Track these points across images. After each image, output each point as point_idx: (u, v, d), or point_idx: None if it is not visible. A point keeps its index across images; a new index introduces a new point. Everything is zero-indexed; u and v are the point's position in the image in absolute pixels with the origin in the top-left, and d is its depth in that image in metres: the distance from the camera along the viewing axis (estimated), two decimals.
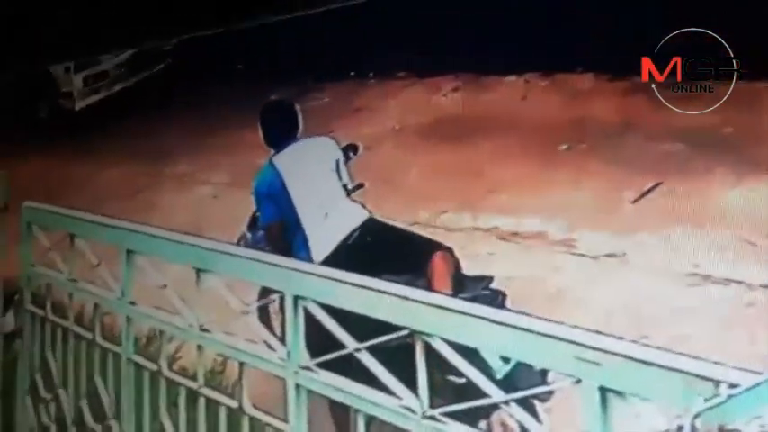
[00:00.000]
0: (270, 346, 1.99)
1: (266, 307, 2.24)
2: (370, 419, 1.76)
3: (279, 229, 2.60)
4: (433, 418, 1.66)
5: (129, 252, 2.38)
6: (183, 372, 2.19)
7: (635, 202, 2.12)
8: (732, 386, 1.32)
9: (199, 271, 2.19)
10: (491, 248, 2.29)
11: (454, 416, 1.64)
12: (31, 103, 4.01)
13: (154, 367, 2.22)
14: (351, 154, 2.68)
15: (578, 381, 1.48)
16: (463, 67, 2.70)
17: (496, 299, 2.12)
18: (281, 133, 2.70)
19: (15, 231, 2.87)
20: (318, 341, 1.93)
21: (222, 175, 3.17)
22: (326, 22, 2.88)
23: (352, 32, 2.82)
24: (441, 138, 2.50)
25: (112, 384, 2.36)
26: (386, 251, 2.39)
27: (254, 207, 2.70)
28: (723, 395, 1.33)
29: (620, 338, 1.49)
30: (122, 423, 2.30)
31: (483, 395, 1.61)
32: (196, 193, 3.18)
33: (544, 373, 1.62)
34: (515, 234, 2.27)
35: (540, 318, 1.57)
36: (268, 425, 1.92)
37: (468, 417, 1.64)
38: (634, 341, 1.49)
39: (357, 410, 1.78)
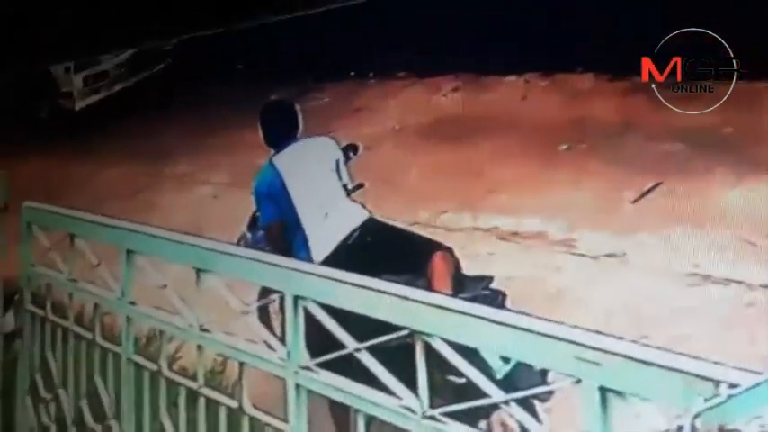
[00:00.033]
0: (270, 346, 1.99)
1: (266, 307, 2.24)
2: (370, 419, 1.76)
3: (279, 229, 2.60)
4: (433, 418, 1.66)
5: (129, 252, 2.38)
6: (182, 372, 2.19)
7: (635, 202, 2.12)
8: (732, 386, 1.32)
9: (199, 271, 2.19)
10: (491, 248, 2.29)
11: (454, 416, 1.64)
12: (31, 103, 4.01)
13: (154, 367, 2.22)
14: (351, 154, 2.68)
15: (578, 381, 1.48)
16: (463, 67, 2.70)
17: (496, 299, 2.11)
18: (280, 133, 2.70)
19: (15, 231, 2.87)
20: (318, 341, 1.93)
21: (222, 175, 3.17)
22: (326, 22, 2.88)
23: (351, 32, 2.82)
24: (441, 138, 2.51)
25: (112, 384, 2.36)
26: (386, 251, 2.39)
27: (253, 207, 2.70)
28: (723, 395, 1.33)
29: (621, 338, 1.48)
30: (122, 423, 2.30)
31: (483, 395, 1.61)
32: (196, 193, 3.17)
33: (544, 373, 1.62)
34: (515, 234, 2.27)
35: (540, 318, 1.57)
36: (268, 425, 1.92)
37: (468, 417, 1.64)
38: (634, 341, 1.48)
39: (357, 410, 1.77)
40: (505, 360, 1.65)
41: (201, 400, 2.08)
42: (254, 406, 1.98)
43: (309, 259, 2.48)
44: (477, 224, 2.36)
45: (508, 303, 2.11)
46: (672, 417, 1.37)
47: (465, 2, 2.56)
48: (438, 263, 2.28)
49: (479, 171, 2.36)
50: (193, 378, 2.11)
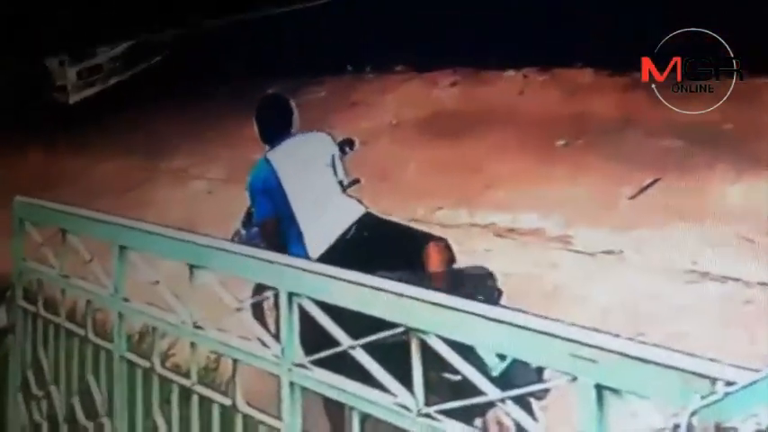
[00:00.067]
0: (264, 344, 1.97)
1: (260, 304, 2.22)
2: (365, 417, 1.74)
3: (273, 226, 2.58)
4: (428, 415, 1.64)
5: (121, 248, 2.36)
6: (176, 369, 2.17)
7: (633, 198, 2.11)
8: (729, 384, 1.31)
9: (192, 267, 2.16)
10: (488, 245, 2.28)
11: (450, 413, 1.62)
12: (25, 97, 3.98)
13: (147, 364, 2.20)
14: (347, 149, 2.66)
15: (574, 378, 1.46)
16: (461, 61, 2.69)
17: (493, 295, 2.10)
18: (276, 129, 2.68)
19: (7, 226, 2.85)
20: (313, 338, 1.91)
21: (217, 170, 3.15)
22: (324, 16, 2.86)
23: (349, 26, 2.80)
24: (438, 133, 2.49)
25: (105, 382, 2.34)
26: (384, 246, 2.38)
27: (248, 203, 2.68)
28: (720, 393, 1.31)
29: (617, 336, 1.47)
30: (115, 421, 2.28)
31: (479, 393, 1.59)
32: (191, 188, 3.16)
33: (540, 370, 1.61)
34: (512, 230, 2.26)
35: (536, 315, 1.56)
36: (262, 423, 1.90)
37: (464, 414, 1.63)
38: (631, 339, 1.47)
39: (352, 408, 1.76)
40: (501, 357, 1.63)
41: (195, 398, 2.06)
42: (248, 403, 1.96)
43: (305, 255, 2.47)
44: (474, 220, 2.35)
45: (504, 300, 2.10)
46: (668, 415, 1.35)
47: None
48: (432, 249, 2.30)
49: (477, 166, 2.34)
50: (186, 375, 2.09)
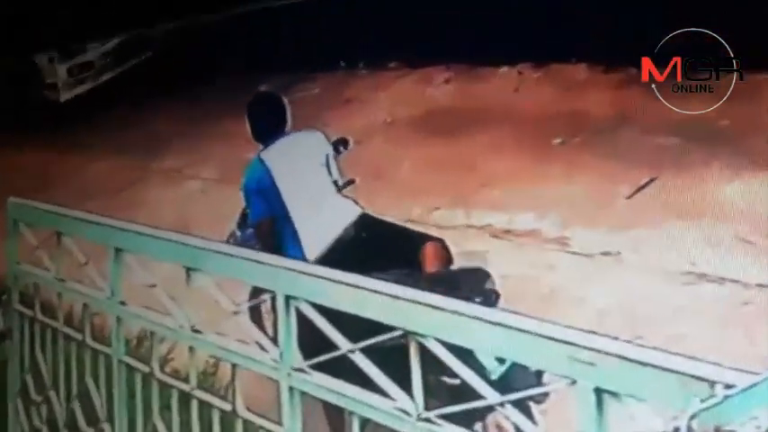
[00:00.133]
0: (262, 347, 1.96)
1: (258, 307, 2.21)
2: (364, 422, 1.74)
3: (269, 226, 2.57)
4: (428, 420, 1.64)
5: (117, 250, 2.34)
6: (175, 374, 2.17)
7: (630, 197, 2.11)
8: (728, 387, 1.32)
9: (189, 270, 2.15)
10: (484, 246, 2.27)
11: (449, 418, 1.63)
12: (16, 95, 3.94)
13: (146, 369, 2.20)
14: (341, 148, 2.64)
15: (573, 382, 1.47)
16: (455, 57, 2.66)
17: (491, 298, 2.10)
18: (268, 127, 2.66)
19: (2, 228, 2.82)
20: (311, 342, 1.91)
21: (211, 170, 3.13)
22: (317, 12, 2.83)
23: (342, 22, 2.77)
24: (433, 131, 2.47)
25: (104, 386, 2.33)
26: (381, 247, 2.38)
27: (242, 203, 2.66)
28: (719, 396, 1.32)
29: (616, 339, 1.47)
30: (115, 426, 2.28)
31: (478, 397, 1.60)
32: (184, 188, 3.14)
33: (539, 374, 1.61)
34: (508, 232, 2.26)
35: (534, 318, 1.56)
36: (262, 428, 1.90)
37: (464, 419, 1.63)
38: (629, 341, 1.47)
39: (351, 413, 1.76)
40: (500, 361, 1.64)
41: (194, 403, 2.06)
42: (248, 408, 1.96)
43: (302, 257, 2.46)
44: (471, 221, 2.34)
45: (501, 302, 2.10)
46: (668, 418, 1.36)
47: None
48: (429, 249, 2.30)
49: (472, 165, 2.33)
50: (186, 380, 2.09)
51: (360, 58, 3.04)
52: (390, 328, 1.72)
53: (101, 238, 2.41)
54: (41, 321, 2.61)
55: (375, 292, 1.78)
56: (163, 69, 3.59)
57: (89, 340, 2.42)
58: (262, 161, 2.60)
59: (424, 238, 2.32)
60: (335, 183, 2.58)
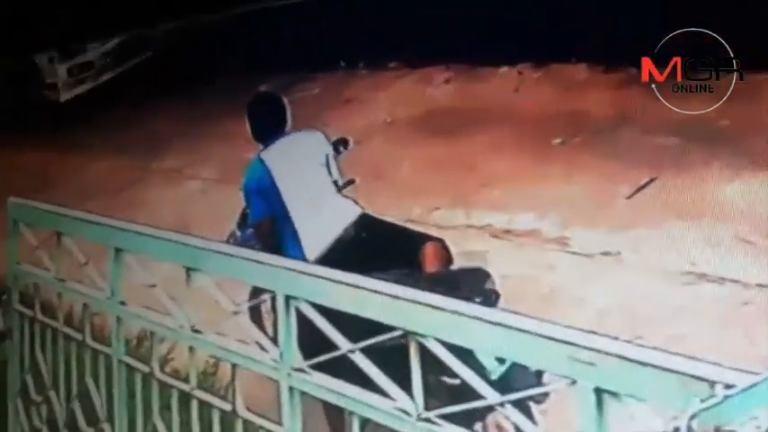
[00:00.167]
0: (262, 347, 1.96)
1: (258, 307, 2.21)
2: (364, 422, 1.74)
3: (269, 226, 2.57)
4: (428, 420, 1.64)
5: (117, 250, 2.34)
6: (175, 374, 2.17)
7: (630, 197, 2.11)
8: (728, 387, 1.32)
9: (189, 270, 2.15)
10: (484, 246, 2.27)
11: (449, 418, 1.63)
12: (16, 95, 3.94)
13: (146, 369, 2.20)
14: (341, 148, 2.64)
15: (573, 382, 1.47)
16: (455, 57, 2.66)
17: (491, 298, 2.10)
18: (268, 127, 2.66)
19: (1, 228, 2.82)
20: (311, 342, 1.91)
21: (211, 170, 3.13)
22: (316, 12, 2.83)
23: (342, 22, 2.77)
24: (433, 131, 2.47)
25: (104, 386, 2.33)
26: (382, 246, 2.38)
27: (242, 203, 2.66)
28: (719, 396, 1.32)
29: (616, 338, 1.47)
30: (115, 426, 2.28)
31: (478, 397, 1.60)
32: (184, 188, 3.14)
33: (539, 374, 1.61)
34: (508, 232, 2.26)
35: (534, 318, 1.56)
36: (262, 428, 1.90)
37: (464, 419, 1.63)
38: (629, 341, 1.47)
39: (351, 413, 1.76)
40: (500, 361, 1.64)
41: (194, 403, 2.06)
42: (248, 408, 1.96)
43: (302, 257, 2.46)
44: (471, 221, 2.34)
45: (501, 302, 2.10)
46: (668, 418, 1.36)
47: None
48: (429, 248, 2.31)
49: (472, 165, 2.33)
50: (186, 380, 2.09)
51: (360, 58, 3.04)
52: (390, 328, 1.72)
53: (101, 238, 2.41)
54: (41, 321, 2.61)
55: (375, 292, 1.78)
56: (163, 69, 3.59)
57: (89, 340, 2.42)
58: (262, 161, 2.60)
59: (424, 238, 2.33)
60: (335, 183, 2.58)
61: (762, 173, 1.97)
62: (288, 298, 1.92)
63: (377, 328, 1.75)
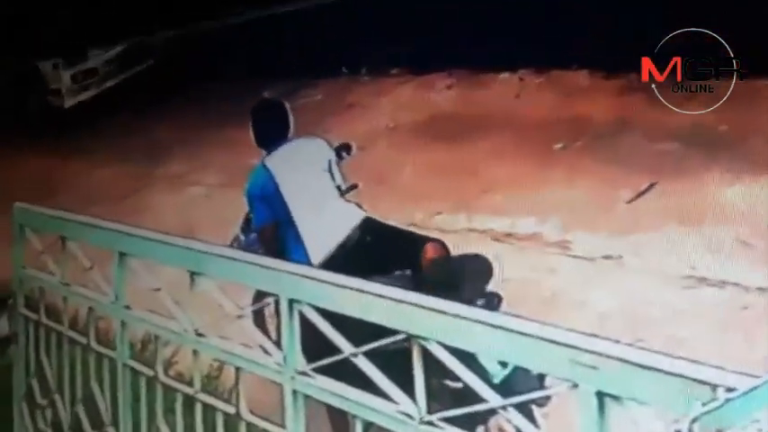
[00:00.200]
0: (266, 351, 1.98)
1: (261, 310, 2.23)
2: (367, 425, 1.75)
3: (272, 232, 2.59)
4: (430, 423, 1.65)
5: (121, 255, 2.36)
6: (179, 377, 2.18)
7: (630, 202, 2.12)
8: (729, 390, 1.32)
9: (193, 274, 2.17)
10: (486, 250, 2.28)
11: (452, 421, 1.64)
12: (20, 101, 3.96)
13: (150, 373, 2.21)
14: (344, 154, 2.66)
15: (575, 385, 1.48)
16: (457, 63, 2.68)
17: (492, 301, 2.11)
18: (272, 134, 2.68)
19: (7, 233, 2.84)
20: (315, 345, 1.92)
21: (215, 175, 3.15)
22: (319, 18, 2.85)
23: (344, 28, 2.79)
24: (435, 136, 2.49)
25: (109, 390, 2.35)
26: (386, 250, 2.39)
27: (246, 208, 2.68)
28: (720, 399, 1.33)
29: (617, 342, 1.48)
30: (120, 429, 2.29)
31: (480, 400, 1.61)
32: (188, 193, 3.15)
33: (542, 377, 1.62)
34: (510, 235, 2.27)
35: (536, 321, 1.57)
36: (265, 431, 1.91)
37: (466, 422, 1.64)
38: (630, 344, 1.48)
39: (355, 416, 1.77)
40: (503, 364, 1.64)
41: (198, 406, 2.07)
42: (252, 411, 1.97)
43: (306, 261, 2.47)
44: (472, 225, 2.35)
45: (503, 306, 2.11)
46: (669, 421, 1.36)
47: None
48: (429, 246, 2.33)
49: (474, 170, 2.34)
50: (190, 383, 2.10)
51: (362, 64, 3.06)
52: (393, 332, 1.73)
53: (105, 243, 2.43)
54: (46, 325, 2.62)
55: (378, 295, 1.79)
56: (165, 77, 3.62)
57: (94, 344, 2.43)
58: (265, 167, 2.62)
59: (426, 240, 2.34)
60: (338, 188, 2.60)
61: (762, 176, 1.98)
62: (291, 302, 1.94)
63: (380, 331, 1.77)
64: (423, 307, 1.71)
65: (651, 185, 2.13)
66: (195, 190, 3.16)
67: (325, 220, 2.52)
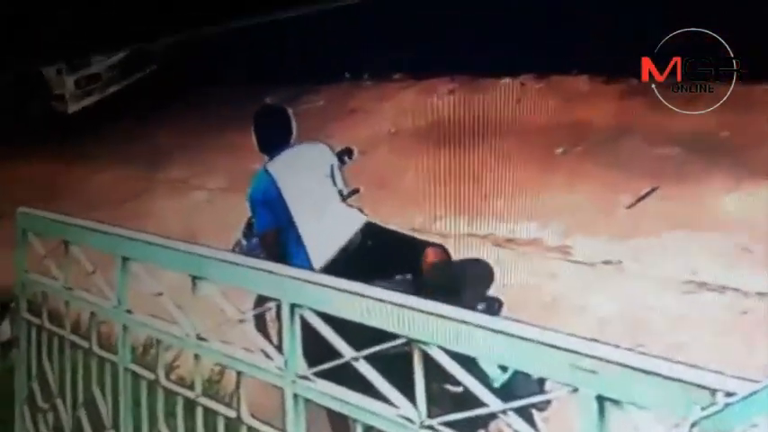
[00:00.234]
0: (267, 355, 1.99)
1: (263, 315, 2.23)
2: (368, 429, 1.76)
3: (274, 237, 2.59)
4: (431, 427, 1.66)
5: (124, 259, 2.37)
6: (180, 381, 2.19)
7: (631, 207, 2.12)
8: (729, 395, 1.33)
9: (195, 278, 2.18)
10: (487, 255, 2.29)
11: (452, 425, 1.64)
12: (24, 106, 3.98)
13: (151, 377, 2.22)
14: (346, 158, 2.67)
15: (575, 390, 1.48)
16: (459, 68, 2.68)
17: (493, 306, 2.12)
18: (274, 139, 2.68)
19: (10, 237, 2.86)
20: (316, 350, 1.93)
21: (217, 180, 3.16)
22: (321, 24, 2.86)
23: (346, 34, 2.80)
24: (436, 141, 2.49)
25: (110, 394, 2.35)
26: (387, 254, 2.40)
27: (248, 212, 2.69)
28: (720, 404, 1.33)
29: (617, 347, 1.48)
30: None
31: (481, 404, 1.61)
32: (190, 198, 3.16)
33: (542, 381, 1.62)
34: (511, 240, 2.27)
35: (536, 326, 1.57)
36: None
37: (467, 426, 1.64)
38: (631, 349, 1.48)
39: (355, 420, 1.77)
40: (503, 369, 1.65)
41: (199, 410, 2.08)
42: (253, 415, 1.98)
43: (308, 266, 2.48)
44: (473, 230, 2.35)
45: (503, 311, 2.12)
46: (669, 426, 1.37)
47: (460, 3, 2.54)
48: (430, 250, 2.33)
49: (475, 175, 2.35)
50: (191, 387, 2.10)
51: (364, 69, 3.07)
52: (394, 336, 1.74)
53: (108, 248, 2.45)
54: (49, 329, 2.63)
55: (379, 300, 1.80)
56: (167, 83, 3.63)
57: (96, 348, 2.44)
58: (268, 172, 2.63)
59: (427, 245, 2.35)
60: (340, 192, 2.61)
61: (763, 182, 1.98)
62: (292, 306, 1.95)
63: (380, 336, 1.77)
64: (423, 311, 1.72)
65: (652, 190, 2.13)
66: (197, 195, 3.17)
67: (326, 225, 2.53)
